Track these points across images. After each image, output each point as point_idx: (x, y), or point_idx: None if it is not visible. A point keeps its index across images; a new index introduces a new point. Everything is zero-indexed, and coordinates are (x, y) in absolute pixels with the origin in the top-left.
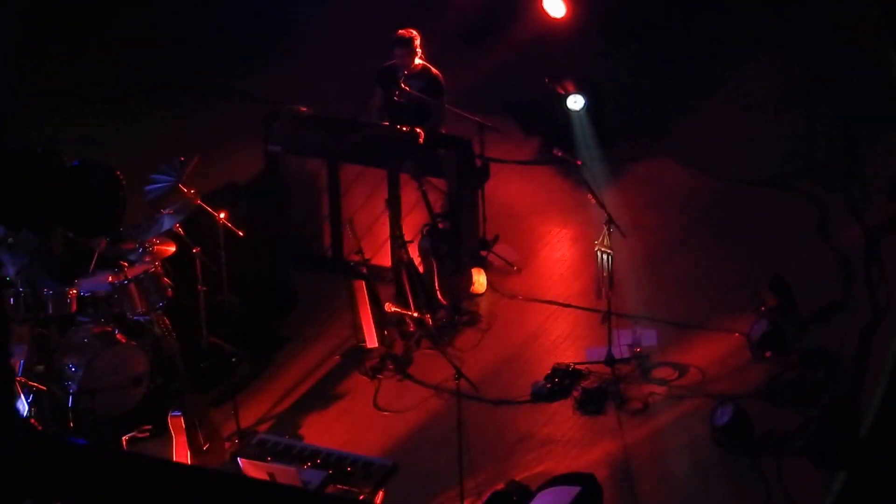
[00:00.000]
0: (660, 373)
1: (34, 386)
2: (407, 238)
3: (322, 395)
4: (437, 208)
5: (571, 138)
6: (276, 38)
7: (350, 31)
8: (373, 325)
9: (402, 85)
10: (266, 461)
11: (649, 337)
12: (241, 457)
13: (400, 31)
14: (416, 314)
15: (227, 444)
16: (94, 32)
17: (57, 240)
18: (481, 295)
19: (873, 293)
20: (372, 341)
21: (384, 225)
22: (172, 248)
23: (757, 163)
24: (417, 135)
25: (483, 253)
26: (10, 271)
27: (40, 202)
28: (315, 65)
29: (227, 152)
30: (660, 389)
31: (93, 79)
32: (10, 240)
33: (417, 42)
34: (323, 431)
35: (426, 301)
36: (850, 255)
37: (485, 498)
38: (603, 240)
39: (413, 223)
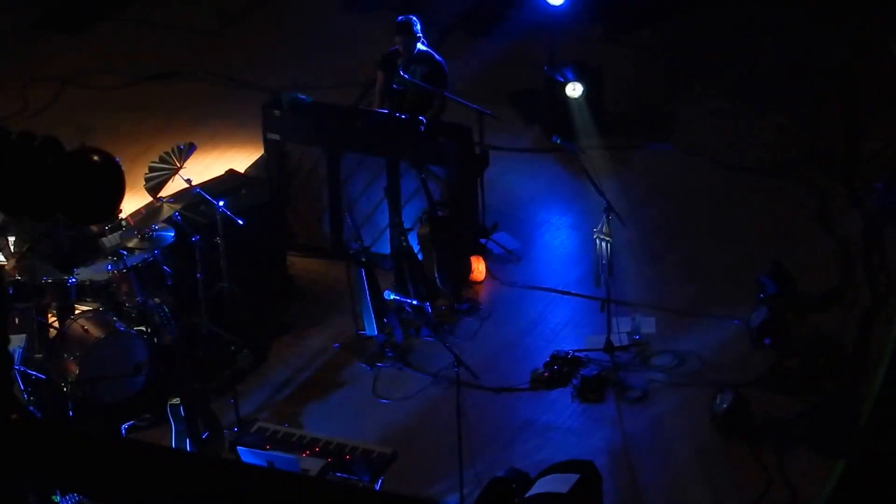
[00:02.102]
0: (659, 360)
1: (34, 374)
2: (406, 226)
3: (321, 383)
4: (437, 196)
5: (571, 126)
6: (277, 25)
7: (351, 18)
8: (372, 314)
9: (401, 72)
10: (265, 449)
11: (648, 324)
12: (240, 445)
13: (400, 17)
14: (415, 302)
15: (226, 433)
16: (95, 20)
17: (59, 229)
18: (481, 283)
19: (873, 280)
20: (371, 329)
21: (384, 213)
22: (172, 237)
23: (757, 150)
24: (418, 122)
25: (482, 241)
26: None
27: (40, 189)
28: (316, 52)
29: (227, 140)
30: (659, 377)
31: (93, 67)
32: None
33: (418, 28)
34: (322, 419)
35: (426, 289)
36: (850, 243)
37: (484, 485)
38: (602, 227)
39: (413, 211)
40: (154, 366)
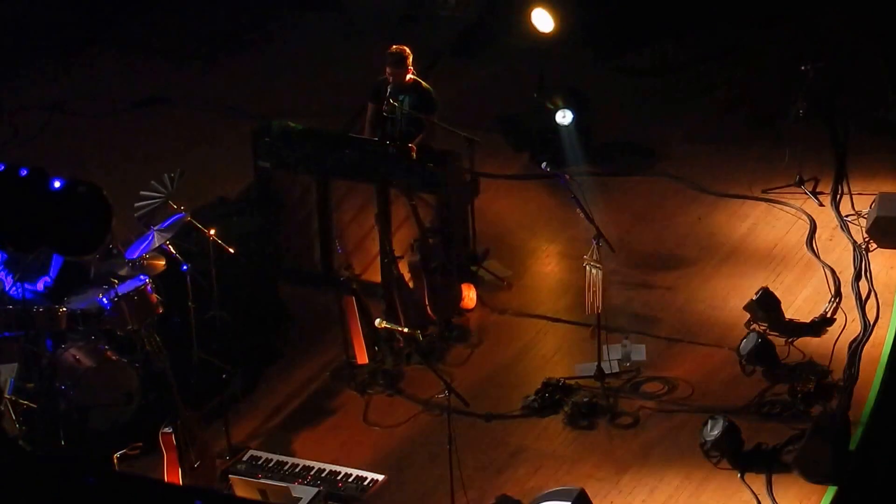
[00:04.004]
0: (650, 387)
1: (25, 404)
2: (397, 253)
3: (313, 410)
4: (427, 223)
5: (560, 153)
6: (266, 53)
7: (341, 45)
8: (363, 341)
9: (391, 100)
10: (257, 478)
11: (639, 351)
12: (232, 473)
13: (392, 47)
14: (406, 330)
15: (218, 461)
16: (83, 47)
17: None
18: (471, 310)
19: (862, 305)
20: (362, 357)
21: (374, 240)
22: (163, 265)
23: (746, 176)
24: (408, 150)
25: (473, 268)
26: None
27: (26, 221)
28: (305, 79)
29: (217, 168)
30: (650, 404)
31: (82, 93)
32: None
33: (409, 59)
34: (314, 447)
35: (416, 316)
36: (839, 268)
37: None
38: (592, 254)
39: (403, 238)
40: (145, 394)
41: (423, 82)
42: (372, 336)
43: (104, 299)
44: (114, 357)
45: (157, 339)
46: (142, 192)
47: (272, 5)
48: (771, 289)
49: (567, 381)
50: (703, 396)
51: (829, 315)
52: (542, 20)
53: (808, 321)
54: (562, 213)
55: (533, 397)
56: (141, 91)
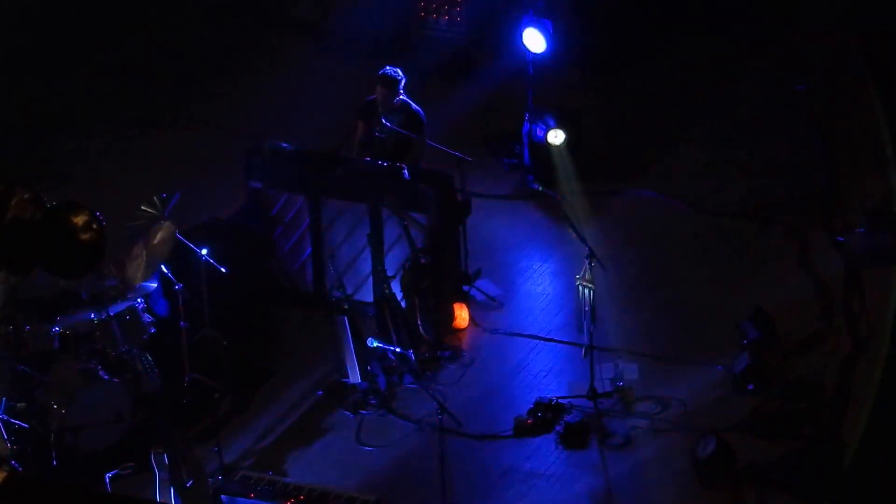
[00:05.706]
0: (642, 406)
1: (16, 424)
2: (389, 273)
3: (305, 430)
4: (419, 243)
5: (552, 172)
6: (257, 75)
7: (331, 65)
8: (355, 361)
9: (382, 120)
10: (249, 498)
11: (631, 371)
12: (224, 493)
13: (385, 69)
14: (398, 349)
15: (210, 481)
16: (75, 66)
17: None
18: (463, 329)
19: (854, 324)
20: (354, 377)
21: (366, 260)
22: (154, 285)
23: (738, 195)
24: (399, 170)
25: (465, 287)
26: None
27: (19, 242)
28: (296, 99)
29: (209, 188)
30: (642, 423)
31: (74, 114)
32: None
33: (402, 82)
34: (306, 467)
35: (408, 336)
36: (830, 287)
37: None
38: (584, 274)
39: (395, 258)
40: (137, 414)
41: (412, 103)
42: (364, 356)
43: (95, 319)
44: (105, 377)
45: (149, 358)
46: (134, 212)
47: (263, 28)
48: (764, 306)
49: (559, 401)
50: (695, 415)
51: (821, 333)
52: (534, 40)
53: (800, 339)
54: (553, 232)
55: (525, 417)
56: (133, 113)
